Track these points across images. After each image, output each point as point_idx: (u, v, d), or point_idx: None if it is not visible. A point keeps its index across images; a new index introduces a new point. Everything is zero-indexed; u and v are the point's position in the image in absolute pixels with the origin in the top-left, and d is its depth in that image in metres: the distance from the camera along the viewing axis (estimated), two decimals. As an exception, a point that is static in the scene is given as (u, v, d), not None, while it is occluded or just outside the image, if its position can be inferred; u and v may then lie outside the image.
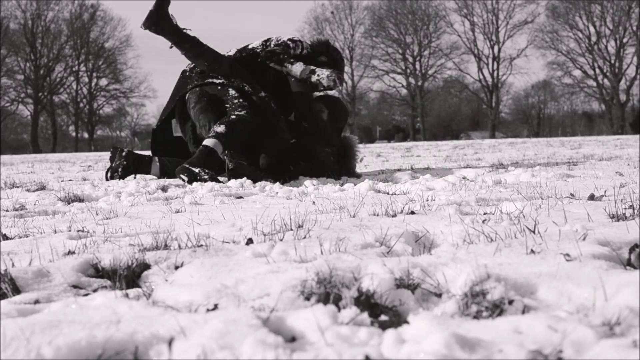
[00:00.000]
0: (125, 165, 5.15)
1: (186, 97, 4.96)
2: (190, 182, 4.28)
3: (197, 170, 4.33)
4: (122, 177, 5.11)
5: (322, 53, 5.22)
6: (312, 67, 4.94)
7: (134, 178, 5.12)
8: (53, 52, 43.95)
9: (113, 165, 5.19)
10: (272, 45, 5.07)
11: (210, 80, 4.95)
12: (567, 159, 6.71)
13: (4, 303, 1.24)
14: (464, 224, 1.90)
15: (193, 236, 1.89)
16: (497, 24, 45.55)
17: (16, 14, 42.38)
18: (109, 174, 5.20)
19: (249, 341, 0.92)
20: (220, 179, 4.38)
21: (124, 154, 5.19)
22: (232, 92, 4.86)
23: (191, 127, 5.10)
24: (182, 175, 4.36)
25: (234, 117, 4.66)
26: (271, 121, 4.82)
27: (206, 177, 4.28)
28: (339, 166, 5.01)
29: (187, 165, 4.36)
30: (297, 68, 4.95)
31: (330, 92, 5.51)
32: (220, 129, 4.56)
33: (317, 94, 5.25)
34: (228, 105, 4.79)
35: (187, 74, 5.11)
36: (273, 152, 4.86)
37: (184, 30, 4.91)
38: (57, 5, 43.68)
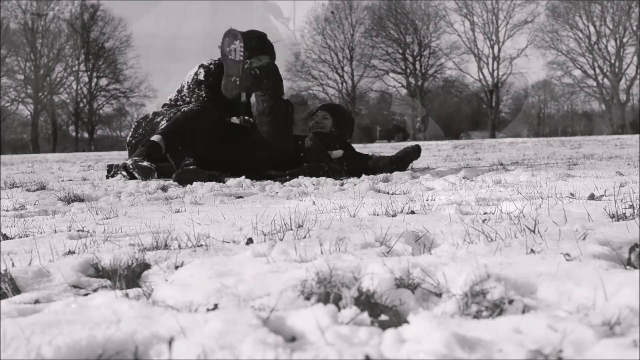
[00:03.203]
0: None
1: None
2: (130, 177, 4.42)
3: (129, 162, 4.40)
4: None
5: (262, 52, 4.89)
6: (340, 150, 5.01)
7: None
8: (53, 52, 43.92)
9: (112, 174, 5.20)
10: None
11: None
12: (567, 158, 6.70)
13: (4, 303, 1.24)
14: (464, 223, 1.90)
15: (193, 236, 1.89)
16: (497, 24, 45.45)
17: (16, 13, 42.40)
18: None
19: (249, 341, 0.92)
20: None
21: (121, 164, 5.20)
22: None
23: None
24: (122, 173, 4.48)
25: (178, 113, 4.72)
26: (280, 124, 4.82)
27: (130, 164, 4.35)
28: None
29: (126, 161, 4.47)
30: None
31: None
32: (164, 124, 4.66)
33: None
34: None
35: (150, 118, 5.05)
36: (266, 157, 4.84)
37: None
38: (57, 5, 43.68)
